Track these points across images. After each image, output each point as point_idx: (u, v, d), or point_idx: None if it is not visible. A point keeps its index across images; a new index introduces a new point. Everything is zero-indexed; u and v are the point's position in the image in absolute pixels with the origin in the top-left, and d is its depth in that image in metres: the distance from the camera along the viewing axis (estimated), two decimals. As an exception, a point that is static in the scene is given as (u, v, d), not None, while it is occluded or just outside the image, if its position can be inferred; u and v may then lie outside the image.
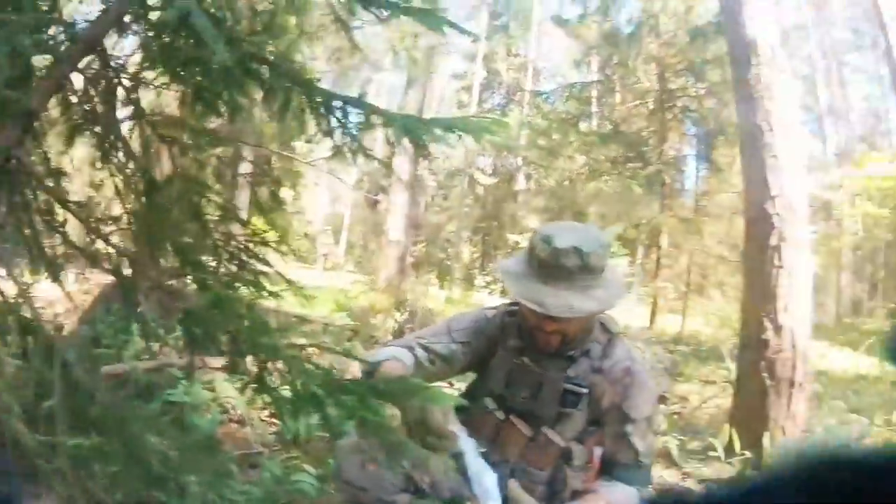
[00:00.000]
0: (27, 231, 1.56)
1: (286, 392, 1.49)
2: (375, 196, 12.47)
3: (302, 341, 1.88)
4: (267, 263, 1.76)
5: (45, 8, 1.60)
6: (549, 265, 1.47)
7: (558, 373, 1.61)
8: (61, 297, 3.29)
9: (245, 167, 7.55)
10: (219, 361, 3.40)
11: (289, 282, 1.74)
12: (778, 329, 3.31)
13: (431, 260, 17.00)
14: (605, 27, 12.14)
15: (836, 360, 8.95)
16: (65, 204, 1.50)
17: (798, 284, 3.36)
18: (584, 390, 1.59)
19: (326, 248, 15.44)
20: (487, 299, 12.22)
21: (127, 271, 1.61)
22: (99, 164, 1.65)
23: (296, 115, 1.53)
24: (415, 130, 1.48)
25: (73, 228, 1.64)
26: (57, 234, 1.55)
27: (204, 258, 1.67)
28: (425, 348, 1.65)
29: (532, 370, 1.63)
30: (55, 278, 1.62)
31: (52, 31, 1.59)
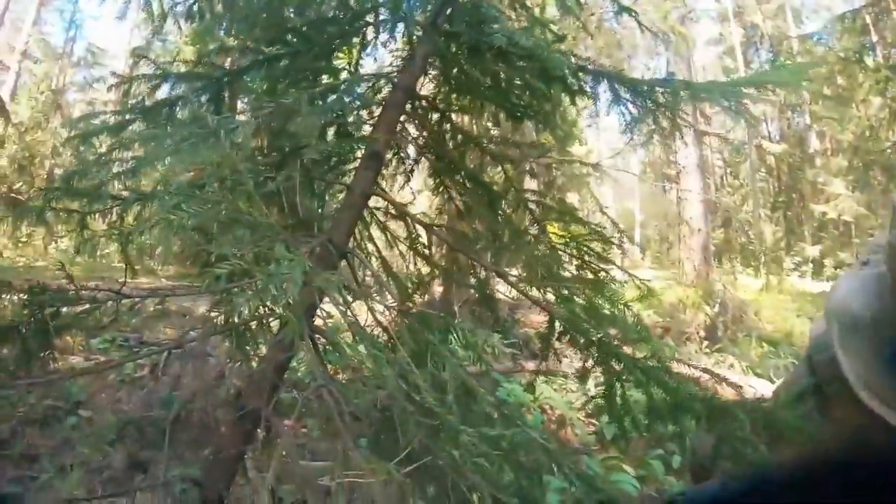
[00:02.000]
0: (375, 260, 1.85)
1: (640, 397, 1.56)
2: (667, 185, 11.83)
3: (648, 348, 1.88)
4: (607, 261, 1.82)
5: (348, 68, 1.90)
6: None
7: None
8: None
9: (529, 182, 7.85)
10: (533, 365, 3.60)
11: (634, 278, 1.77)
12: None
13: (732, 246, 15.37)
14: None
15: None
16: (425, 225, 1.72)
17: None
18: None
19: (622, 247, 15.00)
20: (800, 283, 10.71)
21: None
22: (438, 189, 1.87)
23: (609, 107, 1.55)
24: (726, 93, 1.37)
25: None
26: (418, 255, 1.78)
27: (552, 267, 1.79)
28: None
29: None
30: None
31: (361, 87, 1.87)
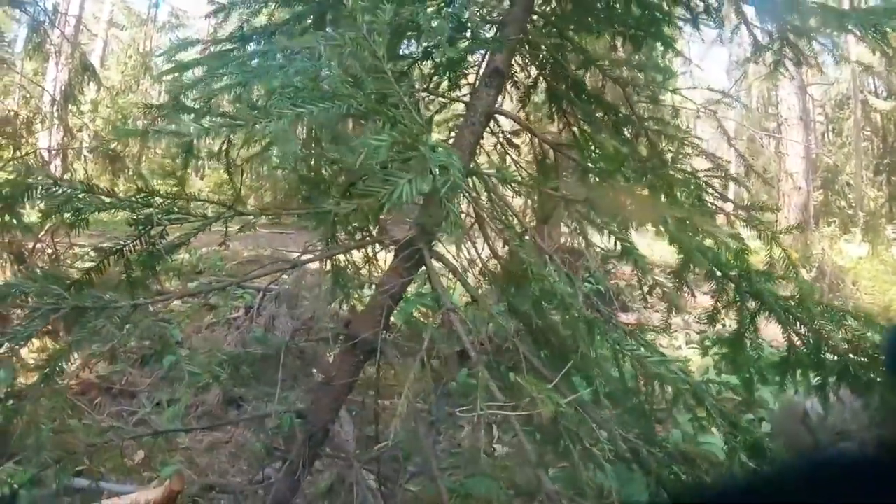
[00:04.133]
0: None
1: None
2: (766, 139, 11.08)
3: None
4: (727, 199, 1.67)
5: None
6: None
7: None
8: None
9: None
10: (628, 318, 3.44)
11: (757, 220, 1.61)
12: None
13: (831, 209, 14.30)
14: None
15: None
16: (553, 145, 1.65)
17: None
18: None
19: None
20: (900, 255, 9.95)
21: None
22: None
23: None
24: (862, 20, 1.22)
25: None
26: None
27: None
28: None
29: None
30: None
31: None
